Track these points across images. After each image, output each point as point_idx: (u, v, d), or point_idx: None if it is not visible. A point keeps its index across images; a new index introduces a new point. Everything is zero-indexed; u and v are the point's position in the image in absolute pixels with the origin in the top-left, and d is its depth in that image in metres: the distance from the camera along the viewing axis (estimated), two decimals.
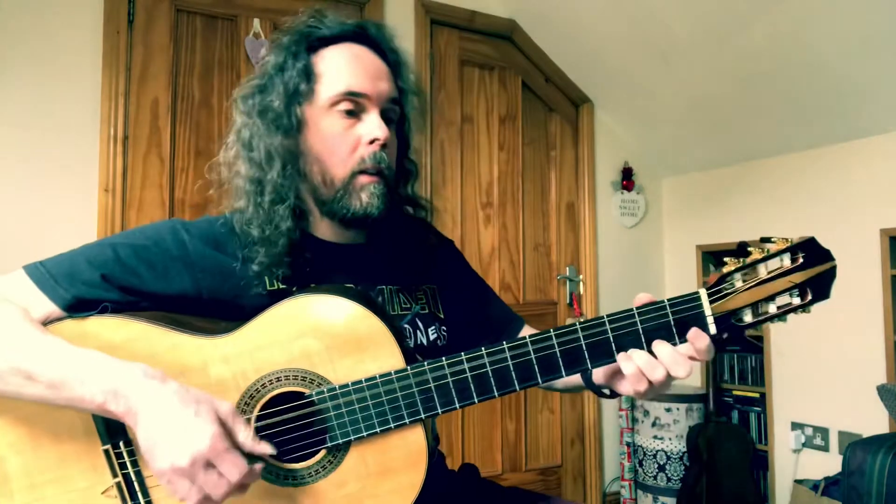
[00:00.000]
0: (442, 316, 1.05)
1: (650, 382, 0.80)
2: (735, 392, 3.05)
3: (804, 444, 2.73)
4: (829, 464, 2.60)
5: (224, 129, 2.42)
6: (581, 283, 3.12)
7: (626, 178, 3.27)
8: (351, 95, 0.90)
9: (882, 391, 2.26)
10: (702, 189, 3.23)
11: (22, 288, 0.82)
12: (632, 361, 0.80)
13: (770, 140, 2.81)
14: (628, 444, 3.03)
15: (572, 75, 3.11)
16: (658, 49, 2.67)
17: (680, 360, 0.79)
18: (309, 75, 0.91)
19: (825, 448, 2.65)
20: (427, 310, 1.03)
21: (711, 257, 3.24)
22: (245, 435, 0.74)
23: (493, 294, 1.16)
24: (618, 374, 0.86)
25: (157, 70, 2.25)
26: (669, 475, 2.85)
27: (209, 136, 2.34)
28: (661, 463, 2.86)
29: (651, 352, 0.80)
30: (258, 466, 0.75)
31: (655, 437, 2.90)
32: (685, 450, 2.81)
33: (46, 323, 0.81)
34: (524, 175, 3.03)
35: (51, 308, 0.82)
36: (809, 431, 2.71)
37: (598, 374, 0.90)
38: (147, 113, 2.24)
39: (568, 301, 3.10)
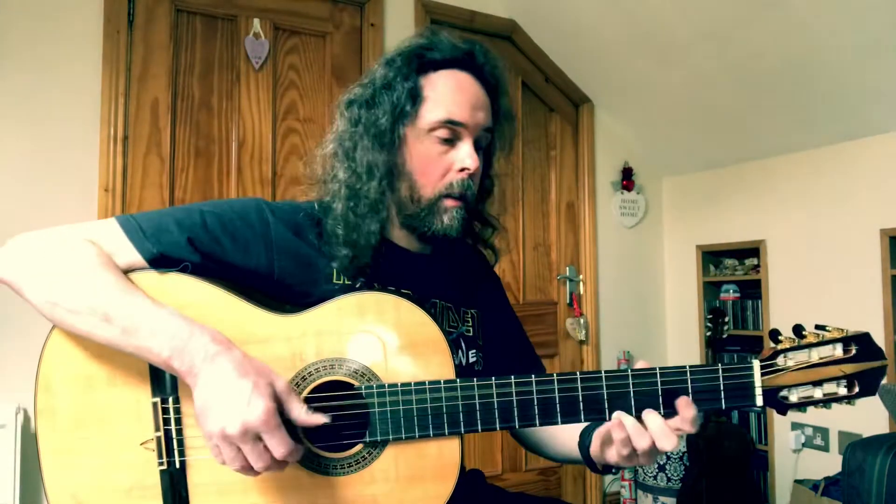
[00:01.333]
0: (481, 343, 1.07)
1: (634, 449, 0.81)
2: None
3: (804, 444, 2.73)
4: (829, 464, 2.60)
5: (224, 129, 2.44)
6: (581, 283, 3.12)
7: (626, 178, 3.27)
8: (450, 123, 0.94)
9: (882, 391, 2.26)
10: (702, 189, 3.23)
11: (111, 234, 0.85)
12: (622, 424, 0.81)
13: (770, 140, 2.81)
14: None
15: (572, 75, 3.12)
16: (658, 49, 2.67)
17: (668, 433, 0.80)
18: (415, 97, 0.95)
19: (825, 448, 2.65)
20: (472, 333, 1.06)
21: (711, 257, 3.24)
22: (299, 410, 0.76)
23: (525, 335, 1.19)
24: (607, 441, 0.87)
25: (157, 70, 2.25)
26: (669, 475, 2.85)
27: (209, 136, 2.34)
28: (661, 463, 2.86)
29: (641, 420, 0.81)
30: (302, 448, 0.77)
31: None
32: (685, 450, 2.81)
33: (127, 272, 0.84)
34: (524, 175, 3.03)
35: (135, 258, 0.85)
36: (809, 431, 2.71)
37: (594, 444, 0.90)
38: (147, 113, 2.24)
39: (568, 301, 3.10)
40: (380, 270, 0.95)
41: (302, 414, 0.76)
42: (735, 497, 2.66)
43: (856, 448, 2.12)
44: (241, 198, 0.96)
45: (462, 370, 1.00)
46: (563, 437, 1.01)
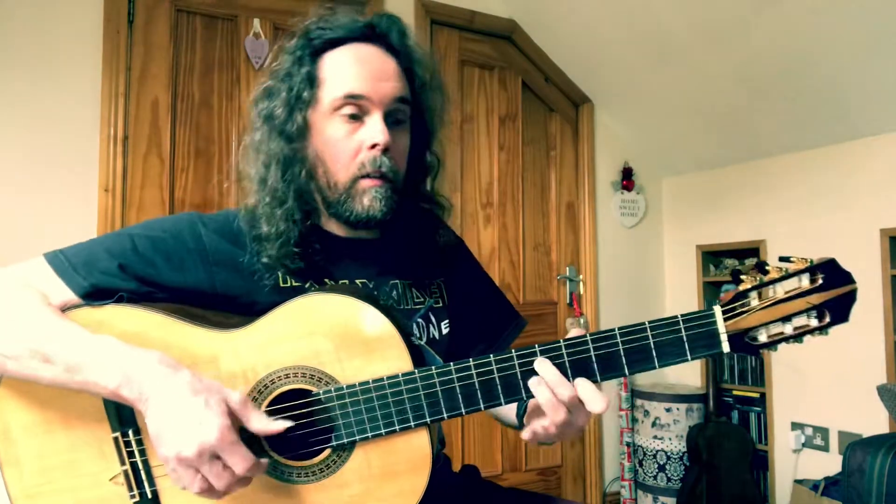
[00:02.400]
0: (450, 311, 1.05)
1: (566, 408, 0.78)
2: (735, 392, 3.05)
3: (804, 444, 2.73)
4: (829, 464, 2.60)
5: (224, 129, 2.44)
6: (581, 283, 3.12)
7: (626, 178, 3.27)
8: (351, 98, 0.89)
9: (882, 391, 2.26)
10: (702, 189, 3.23)
11: (41, 274, 0.84)
12: (544, 382, 0.78)
13: (770, 140, 2.81)
14: (628, 444, 3.03)
15: (572, 75, 3.11)
16: (658, 49, 2.67)
17: (595, 391, 0.77)
18: (312, 81, 0.91)
19: (825, 448, 2.65)
20: (441, 304, 1.03)
21: (711, 257, 3.24)
22: (259, 421, 0.75)
23: (499, 293, 1.16)
24: (536, 408, 0.84)
25: (157, 70, 2.25)
26: (669, 475, 2.85)
27: (209, 136, 2.34)
28: (661, 463, 2.86)
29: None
30: (264, 461, 0.75)
31: (655, 437, 2.90)
32: (685, 450, 2.81)
33: (64, 310, 0.82)
34: (524, 175, 3.03)
35: (68, 295, 0.83)
36: (809, 431, 2.71)
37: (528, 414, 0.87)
38: (147, 113, 2.24)
39: (568, 301, 3.10)
40: (327, 264, 0.93)
41: (262, 423, 0.75)
42: (735, 497, 2.66)
43: (856, 448, 2.12)
44: (174, 214, 0.94)
45: (436, 343, 0.99)
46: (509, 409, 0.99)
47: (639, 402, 3.02)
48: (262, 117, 0.94)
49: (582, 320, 3.08)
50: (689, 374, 3.25)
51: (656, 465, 2.88)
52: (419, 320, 0.99)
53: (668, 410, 2.88)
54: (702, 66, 2.63)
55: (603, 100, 3.18)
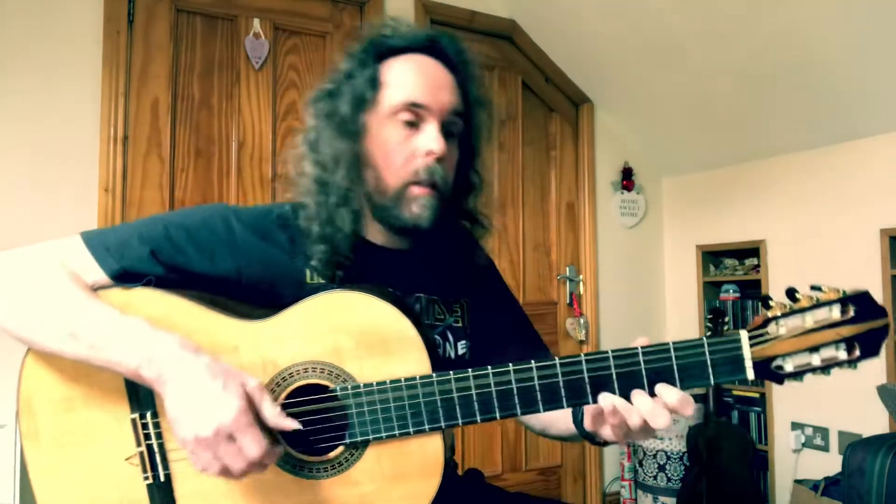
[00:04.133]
0: (469, 332, 1.05)
1: (630, 428, 0.79)
2: (735, 392, 3.05)
3: (804, 444, 2.73)
4: (829, 464, 2.59)
5: (224, 129, 2.44)
6: (581, 283, 3.12)
7: (626, 178, 3.27)
8: (411, 106, 0.91)
9: (882, 391, 2.26)
10: (702, 189, 3.23)
11: (77, 253, 0.86)
12: (609, 401, 0.78)
13: (770, 140, 2.81)
14: (628, 444, 3.03)
15: (572, 75, 3.11)
16: (658, 49, 2.67)
17: (658, 411, 0.77)
18: (374, 83, 0.93)
19: (825, 448, 2.65)
20: (460, 323, 1.04)
21: (711, 257, 3.24)
22: (271, 410, 0.75)
23: (526, 321, 1.15)
24: (599, 419, 0.84)
25: (157, 70, 2.25)
26: (669, 475, 2.85)
27: (209, 136, 2.34)
28: (661, 463, 2.86)
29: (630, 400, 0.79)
30: (279, 449, 0.76)
31: (655, 436, 2.90)
32: (685, 450, 2.81)
33: (95, 290, 0.84)
34: (524, 175, 3.03)
35: (100, 276, 0.86)
36: (809, 431, 2.71)
37: (587, 420, 0.88)
38: (147, 113, 2.24)
39: (568, 301, 3.10)
40: (358, 270, 0.94)
41: (273, 415, 0.75)
42: (735, 497, 2.66)
43: (856, 448, 2.12)
44: (208, 204, 0.95)
45: (449, 363, 0.99)
46: (560, 417, 0.98)
47: None
48: (324, 116, 0.95)
49: (582, 320, 3.08)
50: None
51: (656, 465, 2.88)
52: (436, 337, 0.99)
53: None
54: (702, 66, 2.63)
55: (603, 100, 3.18)
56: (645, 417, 0.77)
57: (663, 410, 0.76)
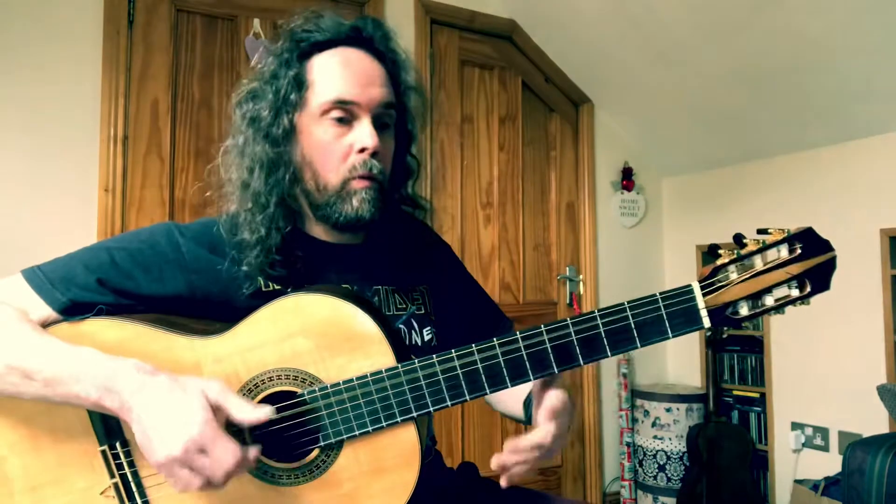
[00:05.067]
0: (433, 317, 1.05)
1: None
2: (735, 392, 3.05)
3: (804, 444, 2.73)
4: (829, 464, 2.59)
5: (224, 130, 2.42)
6: (581, 283, 3.12)
7: (626, 178, 3.27)
8: (340, 104, 0.90)
9: (882, 391, 2.26)
10: (702, 189, 3.23)
11: (19, 291, 0.84)
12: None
13: (770, 140, 2.81)
14: (628, 444, 3.04)
15: (572, 75, 3.11)
16: (658, 49, 2.67)
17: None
18: (300, 84, 0.91)
19: (825, 448, 2.65)
20: (423, 310, 1.03)
21: (711, 257, 3.23)
22: (239, 407, 0.74)
23: (484, 295, 1.17)
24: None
25: (157, 70, 2.25)
26: (669, 475, 2.85)
27: (209, 137, 2.34)
28: (661, 463, 2.86)
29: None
30: (252, 452, 0.74)
31: (655, 437, 2.90)
32: (685, 450, 2.81)
33: (44, 326, 0.82)
34: (524, 175, 3.03)
35: (47, 311, 0.83)
36: (809, 431, 2.71)
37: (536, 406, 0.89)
38: (147, 113, 2.24)
39: (568, 301, 3.10)
40: (309, 270, 0.93)
41: (244, 411, 0.74)
42: (735, 497, 2.66)
43: (856, 448, 2.12)
44: (151, 225, 0.93)
45: (418, 350, 0.98)
46: (509, 399, 1.01)
47: (639, 402, 3.03)
48: (247, 120, 0.93)
49: None
50: (688, 374, 3.25)
51: (656, 465, 2.88)
52: (401, 326, 0.99)
53: (668, 410, 2.88)
54: (702, 66, 2.63)
55: (603, 100, 3.18)
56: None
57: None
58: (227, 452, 0.71)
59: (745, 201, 2.99)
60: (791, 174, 2.80)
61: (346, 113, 0.91)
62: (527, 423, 0.92)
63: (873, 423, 2.43)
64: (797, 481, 2.55)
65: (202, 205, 2.30)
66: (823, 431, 2.66)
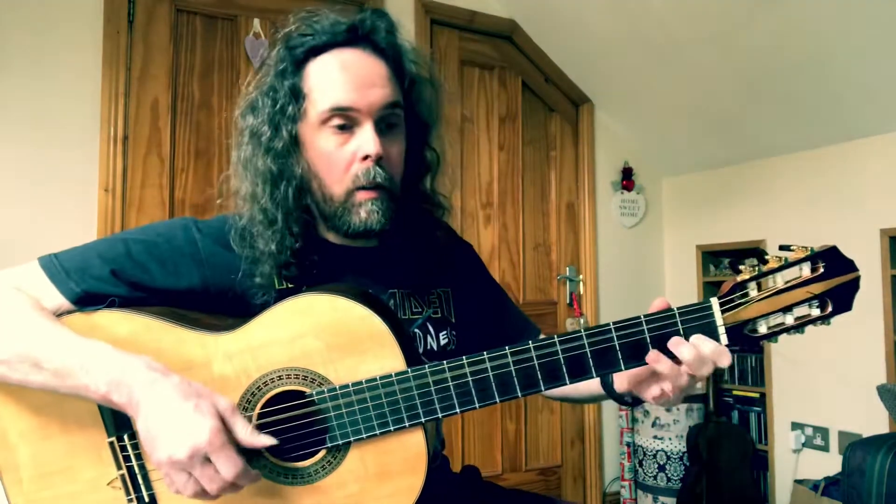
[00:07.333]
0: (453, 320, 1.03)
1: (691, 377, 0.78)
2: (735, 392, 3.05)
3: (804, 444, 2.73)
4: (829, 464, 2.60)
5: (224, 129, 2.44)
6: (581, 283, 3.12)
7: (626, 178, 3.27)
8: (339, 111, 0.87)
9: (882, 391, 2.26)
10: (702, 189, 3.23)
11: (35, 279, 0.83)
12: (664, 362, 0.78)
13: (770, 140, 2.81)
14: (628, 444, 3.03)
15: (572, 75, 3.11)
16: (658, 49, 2.67)
17: (723, 351, 0.76)
18: (297, 94, 0.89)
19: (825, 448, 2.65)
20: (439, 314, 1.01)
21: (711, 257, 3.24)
22: (244, 431, 0.74)
23: (509, 301, 1.14)
24: (644, 379, 0.84)
25: (157, 70, 2.25)
26: (669, 475, 2.85)
27: (209, 137, 2.34)
28: (661, 463, 2.86)
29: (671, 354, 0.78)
30: (255, 472, 0.75)
31: (655, 437, 2.90)
32: (685, 450, 2.81)
33: (57, 315, 0.82)
34: (524, 175, 3.03)
35: (61, 301, 0.83)
36: (809, 431, 2.71)
37: (623, 382, 0.88)
38: (147, 113, 2.24)
39: (568, 301, 3.10)
40: (323, 273, 0.91)
41: (246, 435, 0.74)
42: (735, 497, 2.66)
43: (856, 448, 2.12)
44: (169, 219, 0.92)
45: (433, 355, 0.97)
46: (583, 385, 0.97)
47: None
48: (248, 133, 0.92)
49: (582, 320, 3.08)
50: None
51: (656, 465, 2.88)
52: (416, 330, 0.97)
53: (668, 410, 2.88)
54: (702, 66, 2.63)
55: (603, 100, 3.18)
56: (713, 360, 0.76)
57: (707, 361, 0.76)
58: (230, 465, 0.71)
59: (745, 201, 2.99)
60: (791, 174, 2.80)
61: (346, 120, 0.88)
62: (610, 395, 0.91)
63: (873, 423, 2.43)
64: (797, 481, 2.55)
65: (203, 205, 2.30)
66: (823, 431, 2.66)
